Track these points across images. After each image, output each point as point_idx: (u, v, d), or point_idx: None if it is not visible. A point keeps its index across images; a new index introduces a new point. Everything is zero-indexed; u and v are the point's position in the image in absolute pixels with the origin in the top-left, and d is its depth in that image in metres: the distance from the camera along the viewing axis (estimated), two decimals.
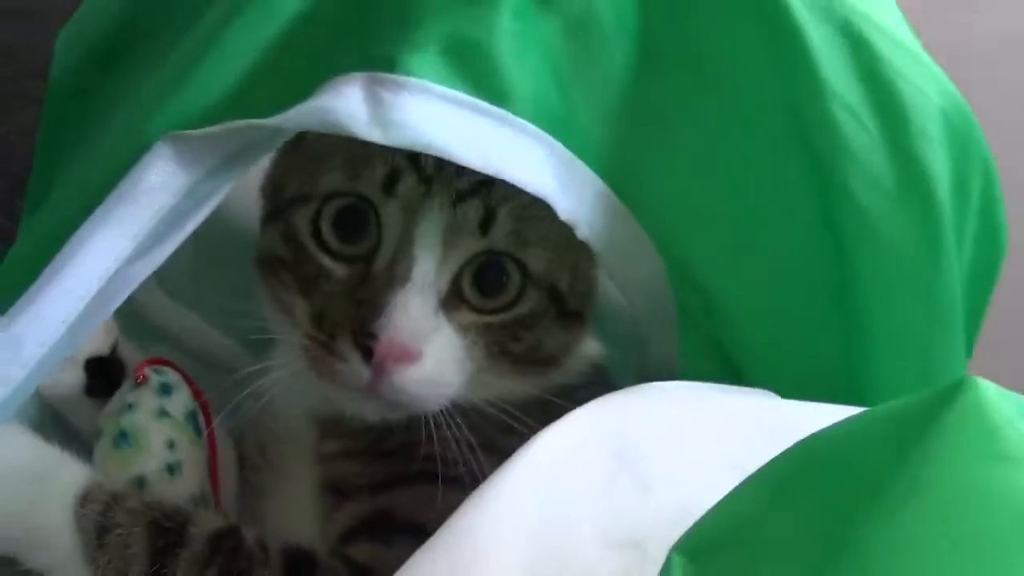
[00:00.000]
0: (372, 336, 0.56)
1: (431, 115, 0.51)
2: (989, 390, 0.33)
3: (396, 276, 0.58)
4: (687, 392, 0.55)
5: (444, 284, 0.59)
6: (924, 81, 0.57)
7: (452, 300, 0.60)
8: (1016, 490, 0.31)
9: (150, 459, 0.63)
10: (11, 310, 0.50)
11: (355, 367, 0.58)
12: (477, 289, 0.60)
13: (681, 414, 0.53)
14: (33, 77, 0.97)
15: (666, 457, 0.49)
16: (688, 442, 0.50)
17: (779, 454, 0.37)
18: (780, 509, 0.34)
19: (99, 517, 0.57)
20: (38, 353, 0.50)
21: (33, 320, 0.50)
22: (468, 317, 0.60)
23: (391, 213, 0.58)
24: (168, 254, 0.53)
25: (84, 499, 0.58)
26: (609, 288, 0.66)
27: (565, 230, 0.57)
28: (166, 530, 0.57)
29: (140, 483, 0.62)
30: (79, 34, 0.69)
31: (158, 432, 0.64)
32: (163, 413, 0.65)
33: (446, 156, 0.52)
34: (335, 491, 0.63)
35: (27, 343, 0.50)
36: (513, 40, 0.53)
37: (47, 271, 0.51)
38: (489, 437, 0.60)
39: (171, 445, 0.64)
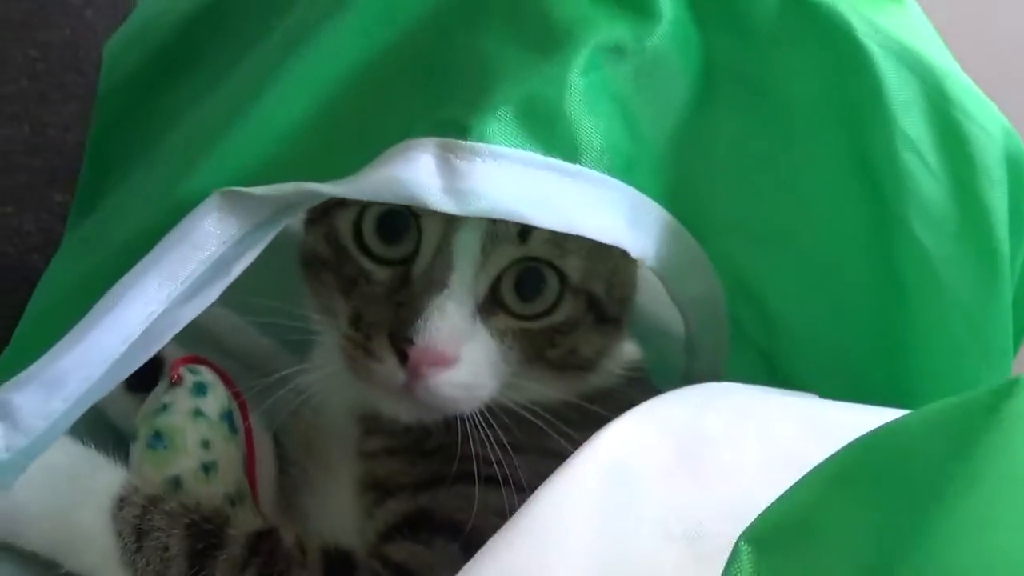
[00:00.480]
0: (408, 340, 0.56)
1: (505, 181, 0.51)
2: None
3: (434, 281, 0.58)
4: (740, 391, 0.56)
5: (482, 290, 0.59)
6: (988, 121, 0.58)
7: (490, 306, 0.60)
8: None
9: (185, 459, 0.63)
10: (57, 346, 0.50)
11: (391, 369, 0.58)
12: (516, 295, 0.60)
13: (737, 410, 0.54)
14: (70, 71, 0.97)
15: (725, 451, 0.49)
16: (745, 437, 0.51)
17: (842, 447, 0.38)
18: (844, 499, 0.36)
19: (136, 520, 0.58)
20: (81, 388, 0.51)
21: (79, 357, 0.50)
22: (505, 322, 0.60)
23: (431, 220, 0.58)
24: (214, 299, 0.53)
25: (121, 502, 0.58)
26: (661, 298, 0.66)
27: None
28: (204, 532, 0.58)
29: (175, 484, 0.62)
30: (131, 49, 0.68)
31: (193, 432, 0.64)
32: (198, 413, 0.65)
33: (523, 221, 0.52)
34: (376, 488, 0.64)
35: (70, 379, 0.50)
36: (584, 93, 0.53)
37: (96, 309, 0.51)
38: (525, 439, 0.60)
39: (206, 445, 0.64)
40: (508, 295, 0.60)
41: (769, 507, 0.37)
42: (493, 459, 0.59)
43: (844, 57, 0.55)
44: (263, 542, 0.58)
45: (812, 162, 0.58)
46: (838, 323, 0.61)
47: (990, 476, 0.34)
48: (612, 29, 0.54)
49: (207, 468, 0.64)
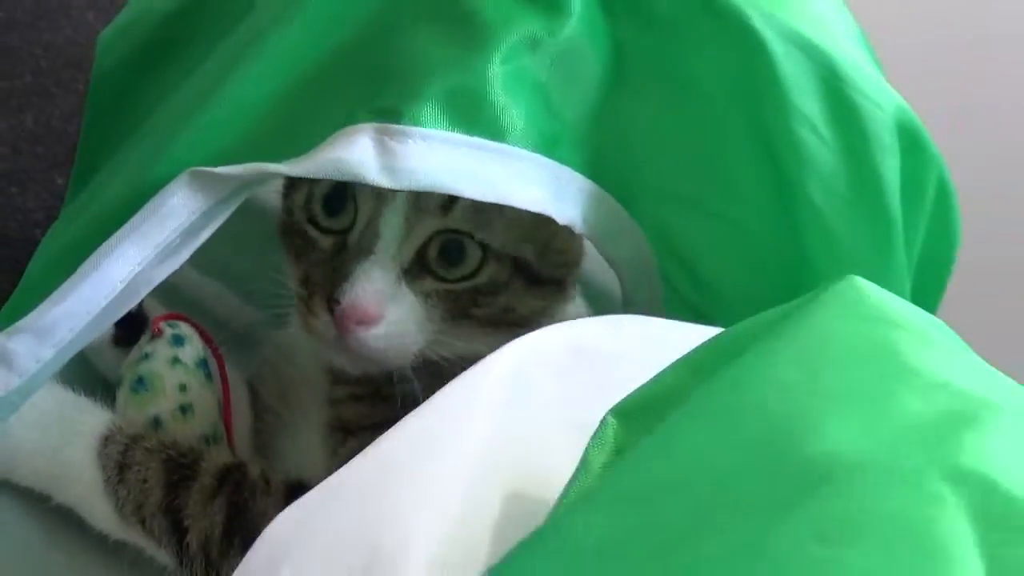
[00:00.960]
0: (336, 300, 0.63)
1: (435, 159, 0.57)
2: (870, 283, 0.41)
3: (362, 249, 0.64)
4: (646, 320, 0.61)
5: (407, 257, 0.65)
6: (878, 94, 0.63)
7: (416, 270, 0.66)
8: (888, 340, 0.38)
9: (164, 401, 0.70)
10: (47, 300, 0.57)
11: (325, 324, 0.65)
12: (442, 261, 0.67)
13: (644, 332, 0.58)
14: (69, 67, 1.06)
15: (624, 361, 0.52)
16: (644, 351, 0.54)
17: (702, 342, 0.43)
18: (693, 377, 0.41)
19: (119, 456, 0.64)
20: (67, 337, 0.57)
21: (66, 311, 0.57)
22: (430, 285, 0.66)
23: (365, 196, 0.65)
24: (183, 261, 0.60)
25: (106, 440, 0.65)
26: (602, 264, 0.72)
27: None
28: (179, 466, 0.64)
29: (156, 423, 0.69)
30: (121, 39, 0.75)
31: (172, 377, 0.71)
32: (176, 361, 0.72)
33: (454, 192, 0.58)
34: (342, 429, 0.71)
35: (59, 329, 0.57)
36: (504, 80, 0.59)
37: (81, 269, 0.57)
38: None
39: (183, 389, 0.71)
40: (433, 261, 0.66)
41: (637, 388, 0.41)
42: None
43: (740, 43, 0.60)
44: (231, 473, 0.65)
45: (719, 137, 0.63)
46: (754, 279, 0.66)
47: (793, 332, 0.39)
48: (528, 25, 0.59)
49: (184, 409, 0.70)
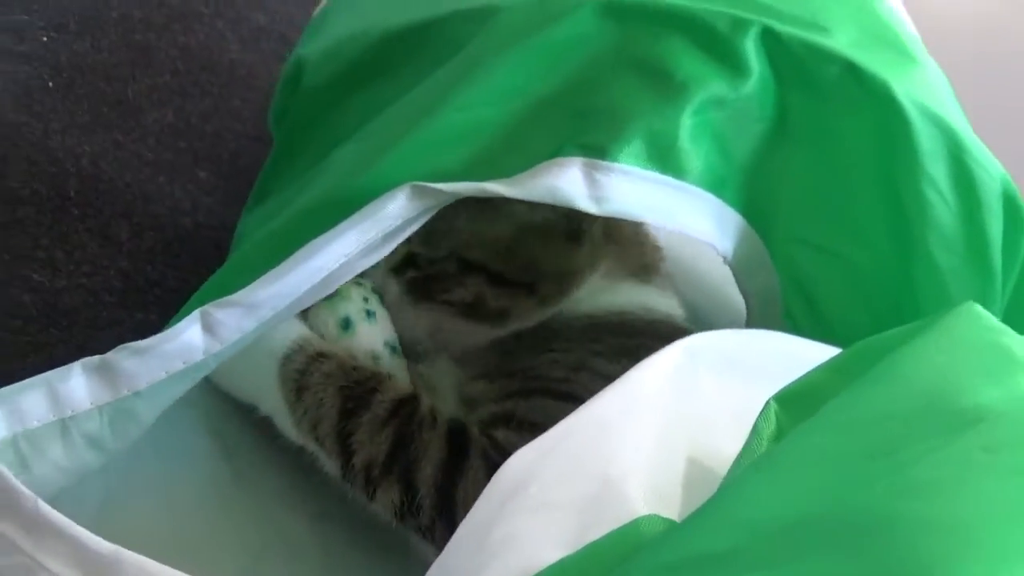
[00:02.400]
0: None
1: (632, 192, 0.66)
2: (984, 309, 0.49)
3: None
4: (783, 336, 0.67)
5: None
6: (991, 167, 0.72)
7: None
8: (1003, 342, 0.47)
9: (352, 305, 0.78)
10: (260, 280, 0.64)
11: None
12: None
13: (775, 344, 0.65)
14: (204, 71, 1.15)
15: (763, 367, 0.58)
16: (780, 359, 0.60)
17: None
18: (837, 378, 0.47)
19: (298, 375, 0.71)
20: (269, 314, 0.65)
21: (275, 292, 0.64)
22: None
23: None
24: (381, 257, 0.68)
25: (286, 359, 0.72)
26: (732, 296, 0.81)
27: None
28: (355, 395, 0.70)
29: (346, 324, 0.76)
30: (331, 59, 0.83)
31: (357, 290, 0.79)
32: (358, 283, 0.80)
33: (642, 220, 0.70)
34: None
35: (264, 307, 0.64)
36: (691, 130, 0.68)
37: (294, 258, 0.65)
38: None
39: (367, 300, 0.80)
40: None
41: (795, 380, 0.48)
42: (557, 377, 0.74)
43: (886, 113, 0.68)
44: (404, 406, 0.70)
45: (856, 191, 0.72)
46: (868, 318, 0.74)
47: (922, 339, 0.47)
48: (716, 85, 0.69)
49: (369, 314, 0.78)
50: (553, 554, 0.41)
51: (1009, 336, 0.49)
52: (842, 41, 0.72)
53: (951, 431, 0.40)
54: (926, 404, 0.43)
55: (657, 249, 0.92)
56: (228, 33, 1.25)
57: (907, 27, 0.85)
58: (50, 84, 1.09)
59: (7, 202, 0.98)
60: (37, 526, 0.56)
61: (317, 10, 0.96)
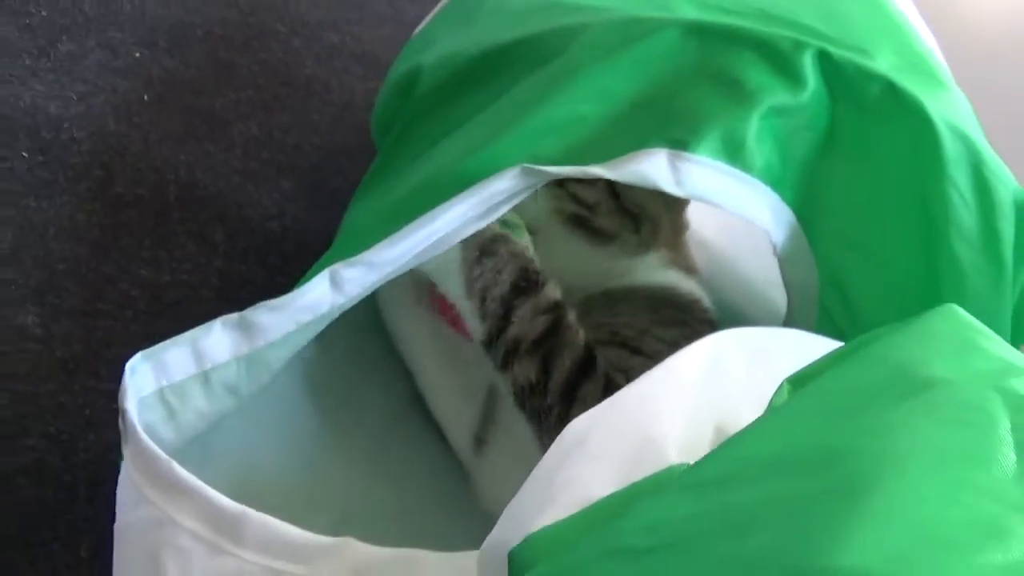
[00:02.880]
0: None
1: (708, 179, 0.77)
2: (962, 310, 0.57)
3: None
4: (811, 336, 0.73)
5: None
6: (1005, 177, 0.81)
7: None
8: (967, 331, 0.55)
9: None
10: (385, 242, 0.73)
11: None
12: None
13: (802, 342, 0.71)
14: (284, 86, 1.26)
15: (789, 361, 0.61)
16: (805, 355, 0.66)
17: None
18: (836, 363, 0.55)
19: (485, 242, 0.79)
20: (390, 271, 0.74)
21: (398, 252, 0.72)
22: None
23: None
24: (490, 222, 0.78)
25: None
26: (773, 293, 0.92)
27: None
28: (529, 280, 0.79)
29: (505, 223, 0.83)
30: (443, 66, 0.95)
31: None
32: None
33: (715, 205, 0.79)
34: None
35: (387, 265, 0.72)
36: (759, 132, 0.79)
37: (417, 222, 0.73)
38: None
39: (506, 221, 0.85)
40: None
41: (806, 365, 0.55)
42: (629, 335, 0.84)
43: (920, 128, 0.77)
44: (559, 307, 0.80)
45: (892, 194, 0.80)
46: (896, 309, 0.80)
47: (901, 330, 0.55)
48: (780, 94, 0.80)
49: (513, 227, 0.85)
50: (603, 491, 0.49)
51: (980, 333, 0.57)
52: (883, 64, 0.82)
53: (905, 395, 0.48)
54: (891, 377, 0.50)
55: (695, 261, 1.05)
56: (303, 50, 1.35)
57: (937, 56, 0.96)
58: (145, 98, 1.19)
59: (114, 206, 1.08)
60: (171, 485, 0.62)
61: (417, 30, 1.07)
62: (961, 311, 0.59)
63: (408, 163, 0.90)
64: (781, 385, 0.54)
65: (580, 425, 0.54)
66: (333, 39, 1.40)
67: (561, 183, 0.89)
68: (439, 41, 1.00)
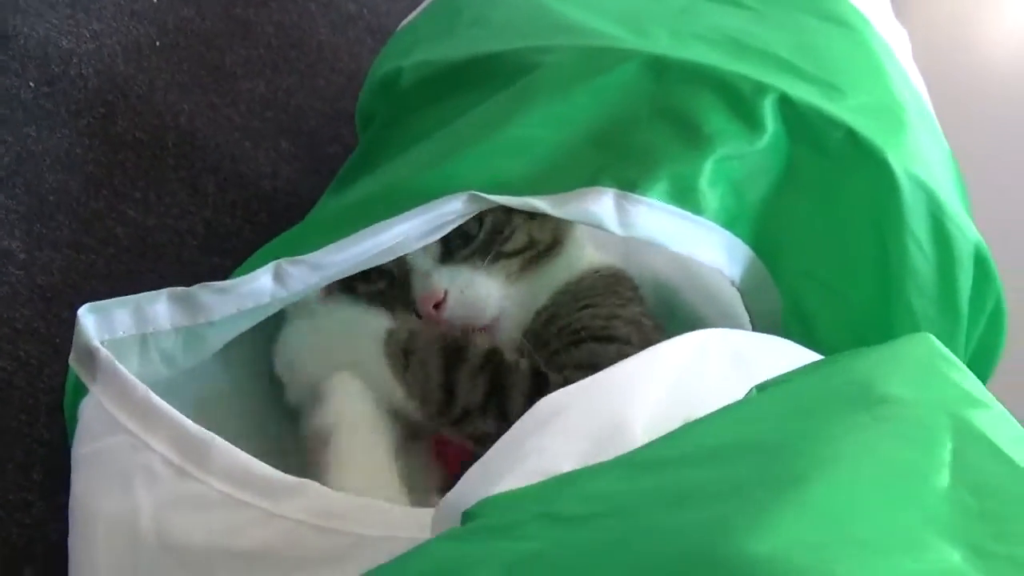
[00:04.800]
0: None
1: (654, 221, 0.78)
2: (937, 340, 0.60)
3: None
4: (788, 343, 0.75)
5: None
6: (966, 229, 0.82)
7: None
8: (936, 359, 0.58)
9: None
10: (333, 246, 0.75)
11: None
12: None
13: (780, 349, 0.74)
14: (294, 48, 1.28)
15: (765, 368, 0.63)
16: (780, 362, 0.65)
17: (820, 361, 0.62)
18: (804, 374, 0.58)
19: (404, 344, 0.79)
20: (333, 275, 0.77)
21: (343, 258, 0.75)
22: None
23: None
24: (436, 239, 0.79)
25: (390, 334, 0.80)
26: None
27: None
28: (453, 351, 0.79)
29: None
30: (423, 72, 0.96)
31: None
32: None
33: (663, 246, 0.79)
34: None
35: (331, 268, 0.74)
36: (711, 174, 0.80)
37: (363, 232, 0.75)
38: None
39: None
40: None
41: (776, 376, 0.57)
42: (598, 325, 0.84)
43: (880, 176, 0.78)
44: (493, 356, 0.79)
45: (851, 237, 0.81)
46: (854, 342, 0.80)
47: (873, 349, 0.60)
48: (735, 140, 0.80)
49: None
50: (568, 466, 0.51)
51: (951, 364, 0.59)
52: (851, 104, 0.83)
53: (859, 406, 0.50)
54: (849, 388, 0.53)
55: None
56: (319, 16, 1.37)
57: (920, 97, 0.96)
58: (157, 44, 1.21)
59: (112, 145, 1.11)
60: (145, 412, 0.67)
61: (404, 23, 1.08)
62: (936, 342, 0.61)
63: (379, 165, 0.92)
64: (750, 391, 0.56)
65: (556, 399, 0.56)
66: (351, 8, 1.41)
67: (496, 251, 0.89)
68: (421, 43, 1.01)
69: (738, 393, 0.57)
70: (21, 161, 1.02)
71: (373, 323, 0.82)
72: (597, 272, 0.94)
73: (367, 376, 0.79)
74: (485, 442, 0.74)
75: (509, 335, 0.87)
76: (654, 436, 0.53)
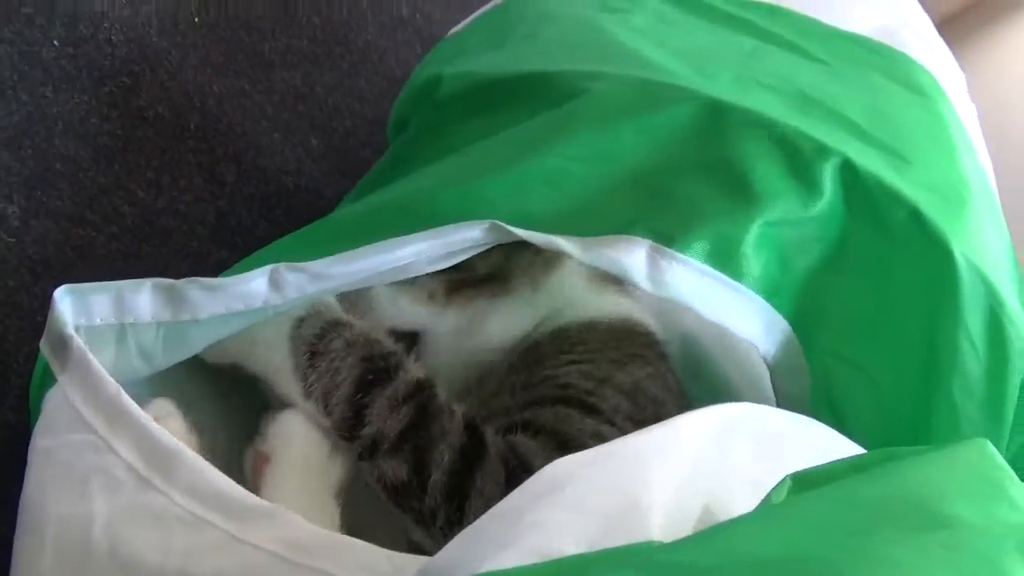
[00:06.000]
0: None
1: (688, 281, 0.71)
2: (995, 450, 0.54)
3: None
4: (821, 427, 0.70)
5: None
6: (1021, 323, 0.76)
7: None
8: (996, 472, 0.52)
9: None
10: (336, 258, 0.70)
11: None
12: None
13: (813, 431, 0.69)
14: (338, 44, 1.23)
15: (798, 452, 0.61)
16: (813, 448, 0.64)
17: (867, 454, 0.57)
18: (855, 471, 0.52)
19: (314, 340, 0.70)
20: (333, 287, 0.70)
21: (346, 271, 0.69)
22: None
23: None
24: (446, 266, 0.73)
25: (300, 322, 0.71)
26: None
27: None
28: (378, 368, 0.69)
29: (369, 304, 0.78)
30: (464, 82, 0.90)
31: None
32: None
33: (695, 310, 0.72)
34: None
35: (332, 280, 0.69)
36: (758, 238, 0.73)
37: (372, 247, 0.70)
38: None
39: None
40: None
41: (816, 466, 0.52)
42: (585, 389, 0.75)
43: (940, 264, 0.72)
44: (422, 390, 0.69)
45: (899, 325, 0.76)
46: (887, 437, 0.78)
47: (902, 465, 0.53)
48: (789, 202, 0.74)
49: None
50: (571, 548, 0.46)
51: (1009, 476, 0.54)
52: (918, 178, 0.76)
53: (920, 528, 0.46)
54: (908, 504, 0.48)
55: None
56: (370, 15, 1.32)
57: (986, 179, 0.89)
58: (196, 19, 1.16)
59: (131, 119, 1.06)
60: (113, 413, 0.62)
61: (453, 30, 1.03)
62: (993, 449, 0.55)
63: (404, 174, 0.87)
64: (784, 480, 0.51)
65: (561, 468, 0.51)
66: (403, 12, 1.37)
67: None
68: (466, 53, 0.96)
69: (767, 478, 0.52)
70: (32, 122, 0.97)
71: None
72: (607, 321, 0.85)
73: (265, 358, 0.72)
74: (398, 495, 0.66)
75: (448, 370, 0.79)
76: (672, 521, 0.50)
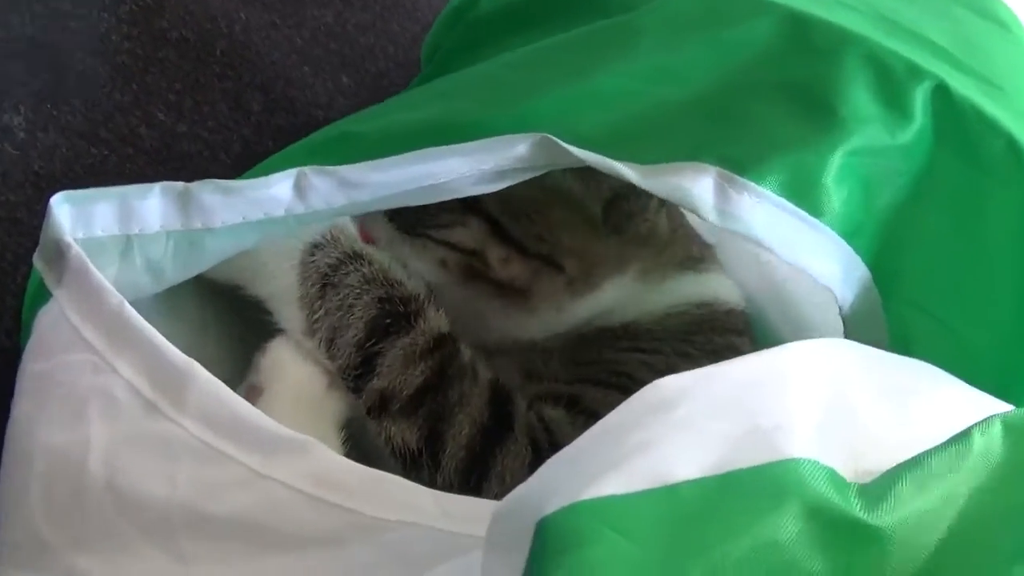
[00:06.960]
0: None
1: (760, 215, 0.63)
2: None
3: None
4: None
5: None
6: None
7: None
8: None
9: None
10: (370, 164, 0.62)
11: None
12: None
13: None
14: None
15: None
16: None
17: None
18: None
19: (328, 271, 0.64)
20: (365, 198, 0.62)
21: (381, 180, 0.62)
22: None
23: None
24: (493, 190, 0.65)
25: (314, 248, 0.65)
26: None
27: None
28: (395, 312, 0.63)
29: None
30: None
31: None
32: None
33: (767, 249, 0.64)
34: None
35: (366, 190, 0.61)
36: (839, 170, 0.65)
37: (412, 155, 0.63)
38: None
39: None
40: None
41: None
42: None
43: None
44: (445, 345, 0.63)
45: (990, 271, 0.68)
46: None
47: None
48: (876, 128, 0.66)
49: None
50: (687, 471, 0.41)
51: None
52: (1014, 106, 0.69)
53: None
54: None
55: (707, 246, 0.88)
56: None
57: None
58: None
59: (154, 39, 1.00)
60: (116, 328, 0.55)
61: None
62: None
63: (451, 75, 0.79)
64: (992, 422, 0.48)
65: (669, 386, 0.45)
66: None
67: (424, 229, 0.74)
68: None
69: (908, 438, 0.47)
70: (49, 33, 0.92)
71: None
72: (682, 308, 0.79)
73: (265, 289, 0.65)
74: (406, 464, 0.61)
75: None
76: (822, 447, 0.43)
